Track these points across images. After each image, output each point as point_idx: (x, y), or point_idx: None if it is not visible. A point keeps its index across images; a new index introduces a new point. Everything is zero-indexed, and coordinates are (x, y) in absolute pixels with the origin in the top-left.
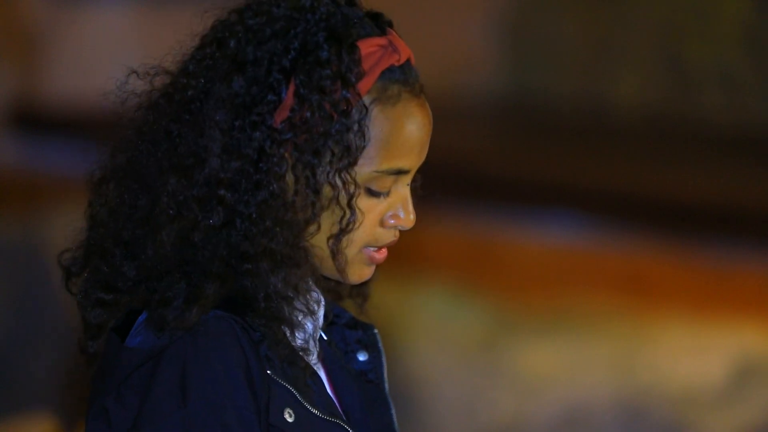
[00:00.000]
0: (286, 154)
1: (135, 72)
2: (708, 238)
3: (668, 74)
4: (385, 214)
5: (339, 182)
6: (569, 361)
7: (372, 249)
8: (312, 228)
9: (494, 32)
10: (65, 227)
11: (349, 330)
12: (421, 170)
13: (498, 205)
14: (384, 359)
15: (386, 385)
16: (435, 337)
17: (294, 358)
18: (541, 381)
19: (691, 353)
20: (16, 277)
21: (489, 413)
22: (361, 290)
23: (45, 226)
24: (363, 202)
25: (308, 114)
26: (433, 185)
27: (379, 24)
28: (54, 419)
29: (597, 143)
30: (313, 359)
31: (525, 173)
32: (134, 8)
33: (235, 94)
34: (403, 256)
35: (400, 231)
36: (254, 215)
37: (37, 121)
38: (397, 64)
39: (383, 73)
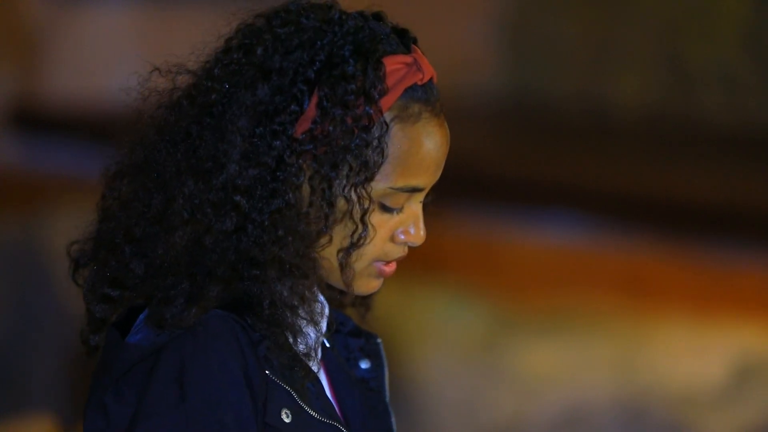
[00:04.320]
0: (304, 165)
1: (157, 69)
2: (708, 238)
3: (668, 74)
4: (395, 230)
5: (354, 196)
6: (569, 361)
7: (381, 263)
8: (323, 240)
9: (494, 32)
10: (65, 227)
11: (352, 338)
12: (435, 188)
13: (498, 205)
14: (386, 369)
15: (387, 395)
16: (435, 337)
17: (295, 362)
18: (541, 381)
19: (691, 353)
20: (16, 277)
21: (489, 413)
22: (364, 300)
23: (45, 226)
24: (375, 217)
25: (330, 127)
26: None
27: (404, 41)
28: (54, 419)
29: (597, 143)
30: (314, 364)
31: (525, 173)
32: (135, 8)
33: (259, 102)
34: None
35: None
36: (267, 223)
37: (37, 121)
38: (420, 83)
39: (406, 90)
